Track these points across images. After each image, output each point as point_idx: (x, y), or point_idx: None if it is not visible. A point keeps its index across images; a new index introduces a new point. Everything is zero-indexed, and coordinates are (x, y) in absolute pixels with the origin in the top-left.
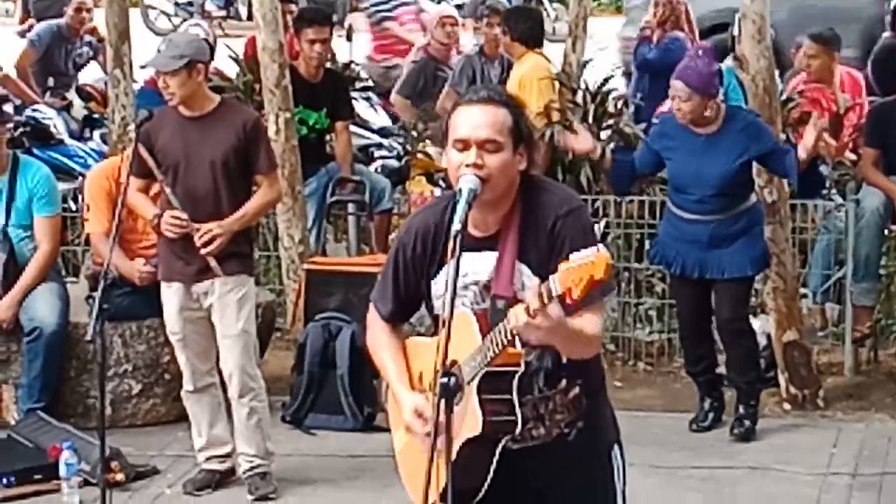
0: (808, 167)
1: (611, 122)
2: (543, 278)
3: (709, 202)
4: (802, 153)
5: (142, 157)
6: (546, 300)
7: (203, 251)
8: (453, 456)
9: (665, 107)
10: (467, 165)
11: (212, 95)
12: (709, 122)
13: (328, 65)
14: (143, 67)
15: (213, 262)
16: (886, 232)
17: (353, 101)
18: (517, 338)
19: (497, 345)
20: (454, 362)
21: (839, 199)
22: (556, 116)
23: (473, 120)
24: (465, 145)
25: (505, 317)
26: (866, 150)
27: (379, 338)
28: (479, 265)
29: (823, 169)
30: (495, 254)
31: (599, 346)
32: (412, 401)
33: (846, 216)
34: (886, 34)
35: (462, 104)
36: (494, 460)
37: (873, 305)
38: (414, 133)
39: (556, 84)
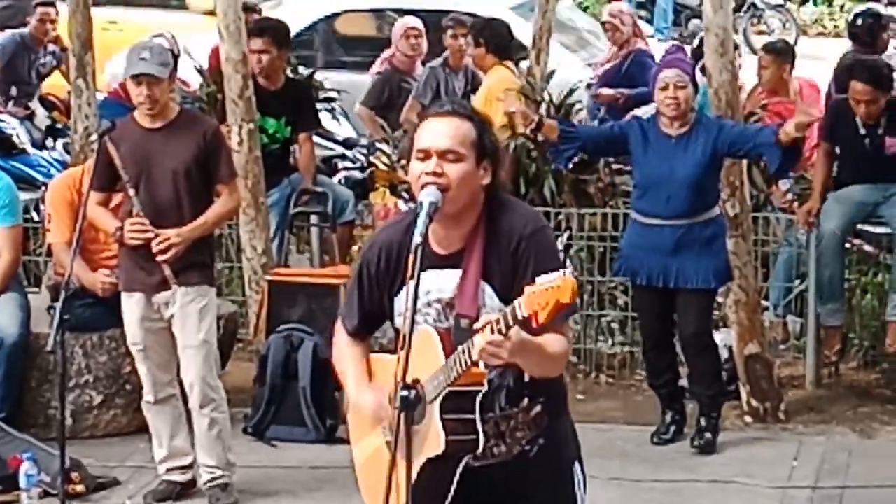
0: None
1: None
2: (506, 298)
3: (678, 203)
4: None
5: (103, 166)
6: (511, 323)
7: (159, 258)
8: (414, 472)
9: (640, 111)
10: (427, 174)
11: (172, 105)
12: (686, 122)
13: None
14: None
15: (167, 271)
16: (848, 245)
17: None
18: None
19: (461, 365)
20: (416, 381)
21: None
22: (520, 129)
23: (435, 131)
24: (426, 155)
25: (468, 336)
26: (821, 144)
27: (342, 350)
28: (442, 283)
29: (785, 182)
30: (458, 272)
31: (565, 365)
32: (373, 399)
33: (807, 230)
34: (848, 47)
35: (427, 117)
36: (455, 479)
37: (841, 325)
38: (377, 144)
39: (522, 97)
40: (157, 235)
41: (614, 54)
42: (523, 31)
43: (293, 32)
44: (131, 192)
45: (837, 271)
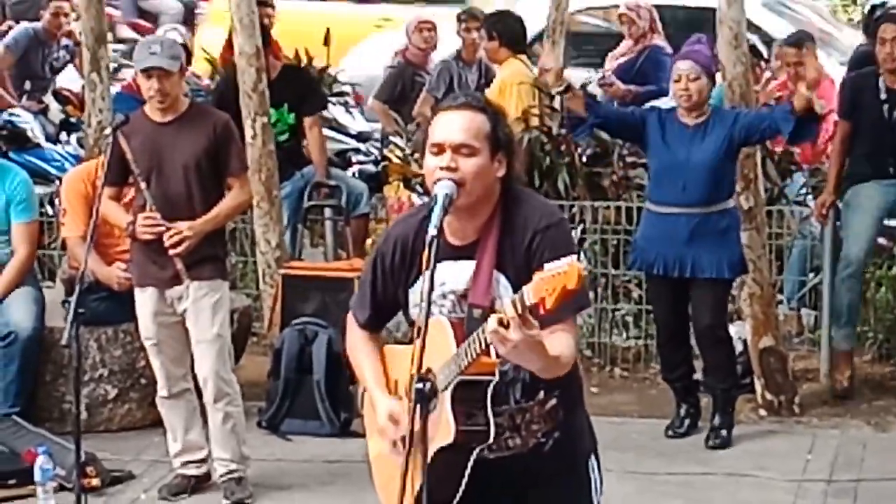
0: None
1: None
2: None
3: (694, 191)
4: (798, 103)
5: (115, 160)
6: (519, 310)
7: (171, 252)
8: (427, 463)
9: (659, 102)
10: (441, 168)
11: (182, 99)
12: (703, 112)
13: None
14: (145, 71)
15: (179, 265)
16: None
17: (331, 106)
18: (492, 347)
19: (471, 353)
20: (429, 370)
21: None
22: (534, 122)
23: (449, 125)
24: (439, 149)
25: (480, 326)
26: (840, 123)
27: (357, 343)
28: (456, 274)
29: (799, 176)
30: (473, 263)
31: (569, 367)
32: (387, 405)
33: (822, 223)
34: (861, 41)
35: (440, 111)
36: (468, 470)
37: (851, 350)
38: (391, 138)
39: (536, 90)
40: (168, 229)
41: (630, 48)
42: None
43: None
44: (143, 185)
45: (858, 297)
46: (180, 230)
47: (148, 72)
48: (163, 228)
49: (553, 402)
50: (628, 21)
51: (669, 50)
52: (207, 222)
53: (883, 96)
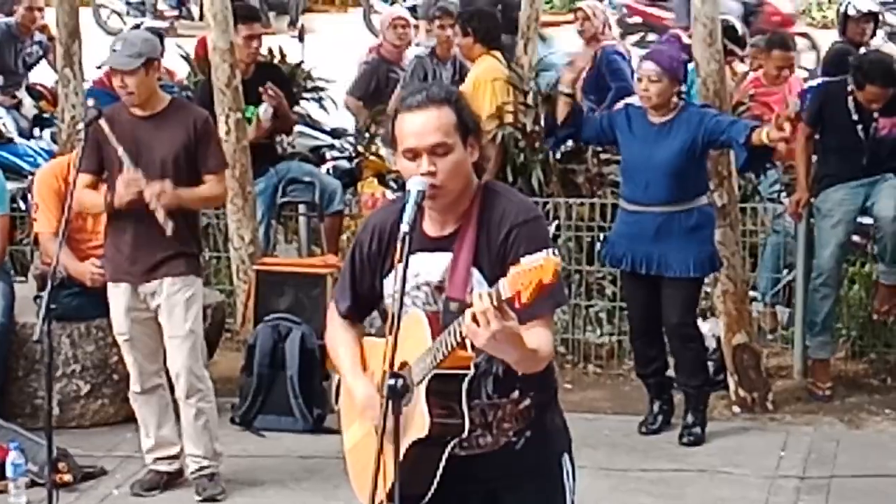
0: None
1: None
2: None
3: (658, 189)
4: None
5: (92, 149)
6: (494, 303)
7: (152, 206)
8: (401, 456)
9: (632, 99)
10: (422, 174)
11: (162, 94)
12: (669, 110)
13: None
14: (98, 67)
15: (160, 216)
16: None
17: (304, 102)
18: (467, 340)
19: (447, 346)
20: (404, 363)
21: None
22: (508, 118)
23: (418, 127)
24: (415, 154)
25: (457, 319)
26: (802, 128)
27: (336, 333)
28: (431, 266)
29: (773, 172)
30: (448, 255)
31: (547, 362)
32: (365, 391)
33: (797, 220)
34: (837, 39)
35: (404, 111)
36: (441, 464)
37: (828, 358)
38: (367, 134)
39: (510, 86)
40: (148, 184)
41: (589, 60)
42: None
43: None
44: (125, 160)
45: (832, 305)
46: (160, 184)
47: (113, 69)
48: (142, 185)
49: (527, 402)
50: (584, 17)
51: (621, 48)
52: (183, 192)
53: (855, 117)
